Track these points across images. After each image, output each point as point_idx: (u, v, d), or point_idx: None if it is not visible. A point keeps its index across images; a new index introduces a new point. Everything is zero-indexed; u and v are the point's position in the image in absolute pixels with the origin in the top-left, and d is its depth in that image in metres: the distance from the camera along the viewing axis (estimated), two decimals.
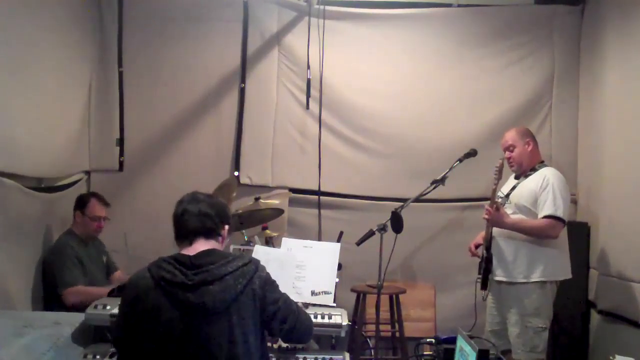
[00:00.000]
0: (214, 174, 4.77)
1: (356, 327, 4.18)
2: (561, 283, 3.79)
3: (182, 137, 4.91)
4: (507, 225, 3.73)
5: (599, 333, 4.33)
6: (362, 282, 4.31)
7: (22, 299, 3.57)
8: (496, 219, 3.73)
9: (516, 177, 3.96)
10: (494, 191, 3.74)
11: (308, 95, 4.92)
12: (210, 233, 2.42)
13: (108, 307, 2.97)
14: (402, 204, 3.89)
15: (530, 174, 3.86)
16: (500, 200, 3.83)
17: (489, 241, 3.83)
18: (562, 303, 3.98)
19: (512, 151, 3.89)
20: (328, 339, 3.06)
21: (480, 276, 3.87)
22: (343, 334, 2.99)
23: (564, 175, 3.84)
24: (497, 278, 3.81)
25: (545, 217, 3.66)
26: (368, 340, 4.56)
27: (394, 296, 4.27)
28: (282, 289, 2.48)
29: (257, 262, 2.41)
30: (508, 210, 3.80)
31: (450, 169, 3.98)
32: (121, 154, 4.87)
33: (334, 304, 3.16)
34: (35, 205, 3.78)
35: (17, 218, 3.54)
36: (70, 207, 4.01)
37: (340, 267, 3.44)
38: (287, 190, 4.94)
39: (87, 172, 4.75)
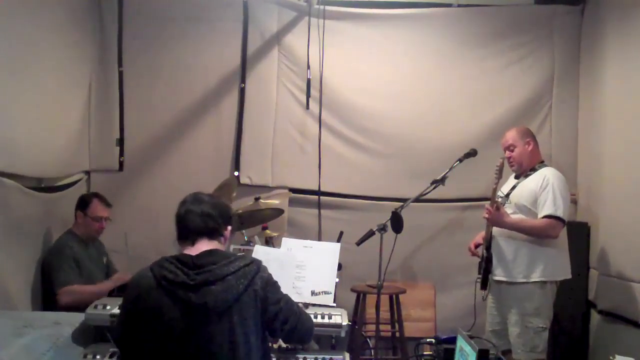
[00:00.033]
0: (214, 174, 4.77)
1: (356, 327, 4.18)
2: (561, 283, 3.79)
3: (182, 137, 4.90)
4: (507, 224, 3.73)
5: (599, 333, 4.33)
6: (362, 282, 4.32)
7: (22, 299, 3.57)
8: (496, 219, 3.73)
9: (516, 177, 3.96)
10: (494, 190, 3.74)
11: (308, 95, 4.92)
12: (213, 233, 2.43)
13: (108, 307, 2.97)
14: (402, 204, 3.89)
15: (530, 174, 3.86)
16: (500, 200, 3.83)
17: (488, 241, 3.83)
18: (562, 303, 3.98)
19: (512, 151, 3.89)
20: (328, 339, 3.05)
21: (480, 276, 3.88)
22: (343, 334, 2.99)
23: (564, 175, 3.84)
24: (497, 278, 3.81)
25: (545, 216, 3.66)
26: (368, 340, 4.57)
27: (394, 296, 4.27)
28: (282, 289, 2.48)
29: (259, 262, 2.41)
30: (508, 210, 3.80)
31: (450, 169, 3.98)
32: (121, 154, 4.86)
33: (334, 304, 3.16)
34: (35, 205, 3.78)
35: (17, 218, 3.54)
36: (70, 207, 4.00)
37: (340, 267, 3.43)
38: (287, 190, 4.94)
39: (87, 172, 4.75)
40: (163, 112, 4.90)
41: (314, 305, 3.12)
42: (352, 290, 4.30)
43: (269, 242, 4.37)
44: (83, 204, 3.96)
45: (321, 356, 2.87)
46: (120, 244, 4.01)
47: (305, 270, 3.24)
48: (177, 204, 2.54)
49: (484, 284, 3.84)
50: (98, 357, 2.82)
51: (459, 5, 4.98)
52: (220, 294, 2.25)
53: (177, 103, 4.90)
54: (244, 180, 4.90)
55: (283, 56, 4.96)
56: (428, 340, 3.34)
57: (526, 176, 3.87)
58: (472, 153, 4.10)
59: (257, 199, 4.66)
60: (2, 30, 3.35)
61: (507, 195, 3.88)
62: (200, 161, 4.90)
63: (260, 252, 3.30)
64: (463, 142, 4.54)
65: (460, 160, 4.05)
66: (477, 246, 4.01)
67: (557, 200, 3.66)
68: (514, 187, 3.88)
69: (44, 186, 3.97)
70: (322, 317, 2.98)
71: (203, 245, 2.38)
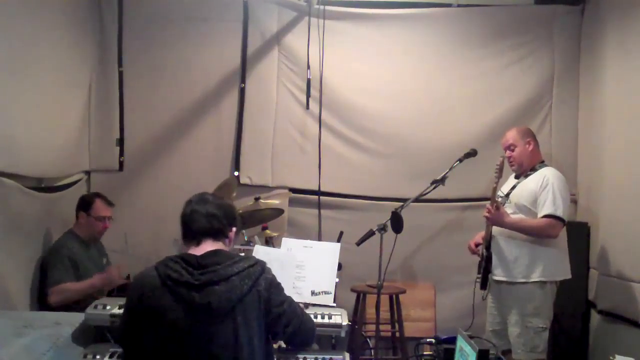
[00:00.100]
0: (214, 174, 4.77)
1: (356, 327, 4.18)
2: (561, 283, 3.79)
3: (182, 137, 4.90)
4: (507, 224, 3.73)
5: (599, 333, 4.33)
6: (362, 282, 4.32)
7: (22, 299, 3.57)
8: (496, 218, 3.73)
9: (516, 177, 3.96)
10: (494, 190, 3.73)
11: (308, 95, 4.91)
12: (218, 234, 2.43)
13: (108, 307, 2.97)
14: (402, 204, 3.89)
15: (530, 174, 3.85)
16: (500, 199, 3.83)
17: (488, 240, 3.83)
18: (562, 303, 3.97)
19: (512, 150, 3.89)
20: (328, 339, 3.06)
21: (479, 276, 3.88)
22: (343, 334, 2.99)
23: (564, 175, 3.84)
24: (497, 278, 3.81)
25: (545, 216, 3.66)
26: (368, 340, 4.57)
27: (394, 296, 4.28)
28: None
29: (263, 264, 2.41)
30: (508, 209, 3.80)
31: (450, 169, 3.97)
32: (121, 154, 4.86)
33: (334, 304, 3.16)
34: (35, 205, 3.78)
35: (17, 218, 3.54)
36: (70, 207, 4.00)
37: (340, 267, 3.44)
38: (287, 190, 4.94)
39: (87, 172, 4.75)
40: (163, 112, 4.90)
41: (314, 305, 3.12)
42: (352, 290, 4.30)
43: (269, 242, 4.37)
44: (85, 204, 3.95)
45: (321, 356, 2.86)
46: (120, 244, 4.01)
47: (305, 270, 3.24)
48: (177, 203, 2.54)
49: (484, 284, 3.84)
50: (98, 357, 2.81)
51: (459, 5, 4.98)
52: (224, 294, 2.25)
53: (177, 103, 4.90)
54: (244, 180, 4.90)
55: (283, 56, 4.96)
56: (428, 340, 3.35)
57: (526, 176, 3.87)
58: (472, 153, 4.10)
59: (257, 199, 4.66)
60: (2, 30, 3.35)
61: (507, 195, 3.87)
62: (200, 161, 4.90)
63: (260, 252, 3.30)
64: (463, 142, 4.53)
65: (460, 160, 4.04)
66: (477, 245, 4.01)
67: (557, 200, 3.66)
68: (514, 187, 3.88)
69: (44, 186, 3.97)
70: (322, 317, 2.98)
71: (208, 246, 2.39)
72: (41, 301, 3.72)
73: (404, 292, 4.35)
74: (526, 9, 4.97)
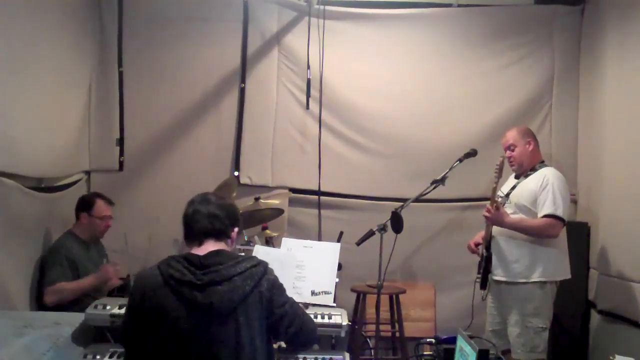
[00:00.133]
0: (214, 174, 4.77)
1: (356, 327, 4.18)
2: (561, 283, 3.79)
3: (182, 137, 4.90)
4: (507, 224, 3.73)
5: (599, 333, 4.33)
6: (362, 282, 4.32)
7: (22, 299, 3.57)
8: (496, 218, 3.73)
9: (516, 177, 3.96)
10: (494, 190, 3.73)
11: (308, 95, 4.91)
12: (220, 235, 2.43)
13: (108, 307, 2.97)
14: (402, 204, 3.89)
15: (530, 174, 3.85)
16: (500, 199, 3.82)
17: (488, 240, 3.83)
18: (562, 303, 3.97)
19: (512, 150, 3.89)
20: (328, 339, 3.05)
21: (479, 275, 3.88)
22: (343, 334, 2.99)
23: (564, 175, 3.84)
24: (497, 278, 3.80)
25: (545, 216, 3.66)
26: (368, 340, 4.57)
27: (394, 296, 4.28)
28: None
29: (265, 264, 2.41)
30: (508, 209, 3.80)
31: (450, 169, 3.97)
32: (121, 154, 4.86)
33: (334, 304, 3.16)
34: (35, 205, 3.78)
35: (17, 218, 3.54)
36: (70, 207, 4.00)
37: (340, 267, 3.44)
38: (287, 190, 4.93)
39: (87, 172, 4.75)
40: (163, 112, 4.90)
41: (314, 305, 3.12)
42: (352, 290, 4.30)
43: (269, 242, 4.37)
44: (86, 205, 3.95)
45: (321, 356, 2.87)
46: (120, 244, 4.01)
47: (305, 270, 3.24)
48: (177, 204, 2.55)
49: (484, 284, 3.84)
50: (98, 357, 2.81)
51: (459, 5, 4.98)
52: (226, 294, 2.25)
53: (177, 103, 4.90)
54: (244, 180, 4.90)
55: (283, 56, 4.96)
56: (428, 340, 3.34)
57: (526, 176, 3.87)
58: (472, 153, 4.10)
59: (257, 199, 4.66)
60: (2, 30, 3.35)
61: (507, 195, 3.87)
62: (200, 161, 4.89)
63: (260, 252, 3.30)
64: (463, 142, 4.53)
65: (460, 160, 4.04)
66: (477, 245, 4.01)
67: (557, 199, 3.66)
68: (514, 187, 3.88)
69: (44, 186, 3.97)
70: (322, 317, 2.98)
71: (210, 246, 2.38)
72: (39, 301, 3.72)
73: (404, 292, 4.35)
74: (526, 9, 4.97)
